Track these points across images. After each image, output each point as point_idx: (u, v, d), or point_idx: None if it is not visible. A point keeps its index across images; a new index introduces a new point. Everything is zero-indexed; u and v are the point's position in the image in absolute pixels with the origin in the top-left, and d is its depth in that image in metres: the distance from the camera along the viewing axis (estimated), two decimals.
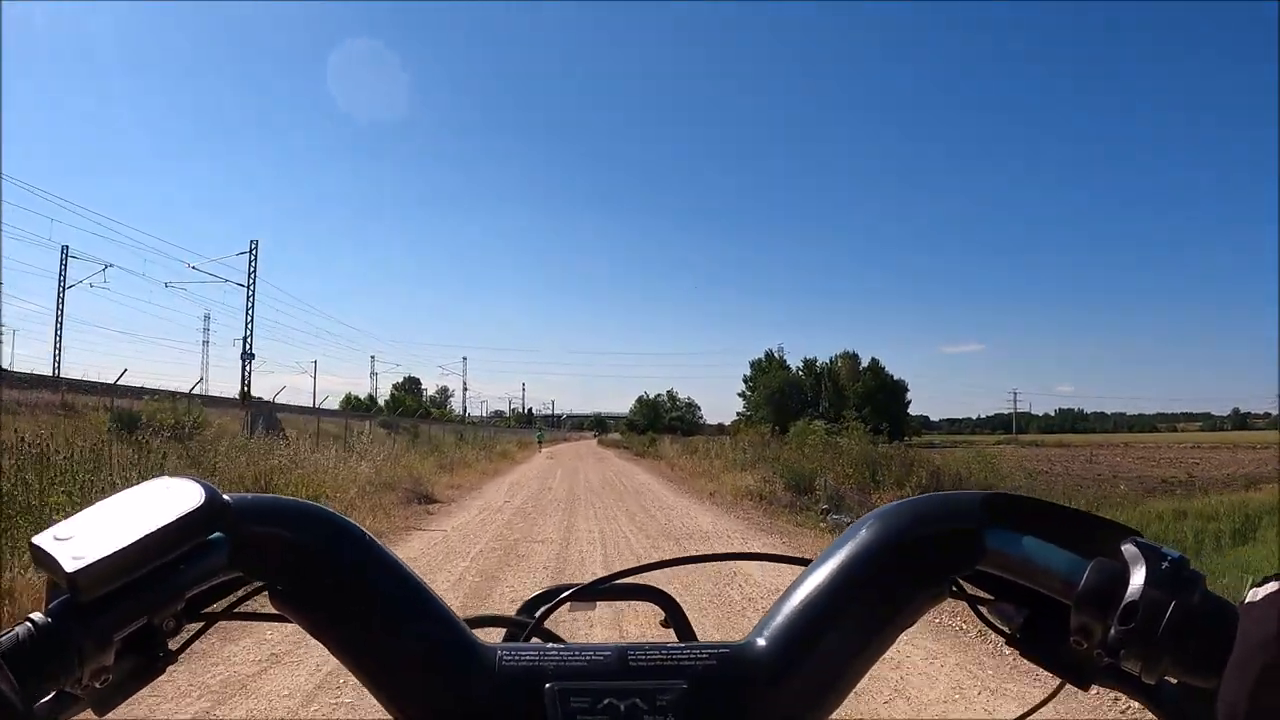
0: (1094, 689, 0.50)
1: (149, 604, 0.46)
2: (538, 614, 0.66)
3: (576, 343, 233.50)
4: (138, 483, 0.51)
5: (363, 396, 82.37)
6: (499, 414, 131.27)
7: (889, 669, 4.55)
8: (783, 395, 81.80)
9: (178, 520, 0.47)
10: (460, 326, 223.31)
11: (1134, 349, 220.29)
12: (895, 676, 4.50)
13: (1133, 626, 0.44)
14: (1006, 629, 0.54)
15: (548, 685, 0.49)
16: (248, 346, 41.60)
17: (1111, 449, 70.40)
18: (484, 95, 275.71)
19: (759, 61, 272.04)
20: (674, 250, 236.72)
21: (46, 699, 0.44)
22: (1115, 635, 0.45)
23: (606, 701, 0.48)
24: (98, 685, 0.45)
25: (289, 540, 0.52)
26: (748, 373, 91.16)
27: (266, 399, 35.61)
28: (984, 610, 0.55)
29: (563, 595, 0.67)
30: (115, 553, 0.44)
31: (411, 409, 64.52)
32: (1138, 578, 0.46)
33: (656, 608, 0.73)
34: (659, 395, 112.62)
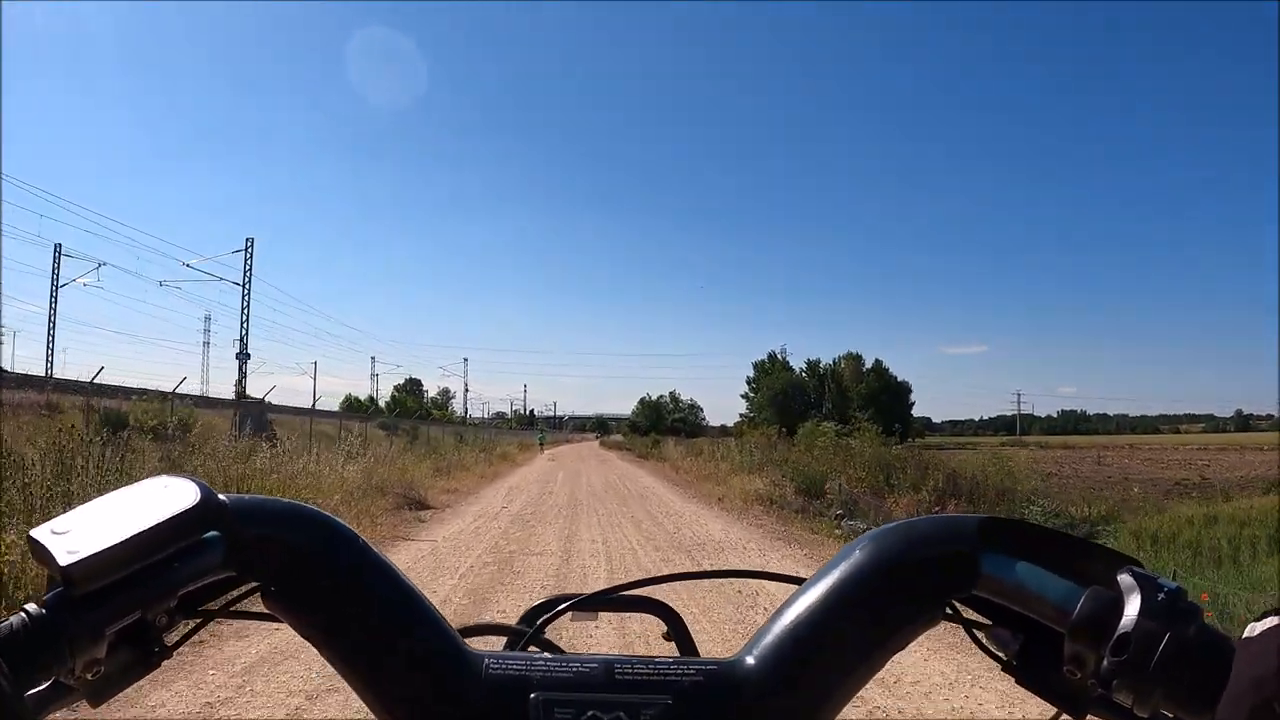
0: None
1: (142, 599, 0.47)
2: (536, 624, 0.65)
3: (578, 344, 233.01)
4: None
5: (363, 398, 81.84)
6: (501, 415, 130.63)
7: None
8: (786, 397, 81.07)
9: (173, 518, 0.48)
10: (462, 328, 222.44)
11: (1136, 350, 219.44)
12: None
13: (1125, 658, 0.44)
14: (1002, 655, 0.54)
15: (532, 695, 0.49)
16: (243, 346, 40.98)
17: (1117, 450, 69.79)
18: (485, 95, 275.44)
19: (759, 61, 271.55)
20: (675, 250, 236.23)
21: (40, 688, 0.46)
22: (1108, 666, 0.45)
23: (590, 714, 0.49)
24: (90, 677, 0.46)
25: (283, 542, 0.53)
26: (750, 374, 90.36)
27: (256, 398, 34.92)
28: (980, 635, 0.55)
29: (563, 605, 0.66)
30: (109, 548, 0.45)
31: (412, 410, 63.87)
32: (1132, 608, 0.45)
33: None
34: (661, 397, 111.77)
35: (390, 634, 0.52)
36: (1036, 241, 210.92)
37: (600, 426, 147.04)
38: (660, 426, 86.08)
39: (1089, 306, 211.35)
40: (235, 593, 0.55)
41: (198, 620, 0.54)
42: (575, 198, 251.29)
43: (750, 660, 0.52)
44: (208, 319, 62.32)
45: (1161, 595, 0.45)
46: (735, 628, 5.57)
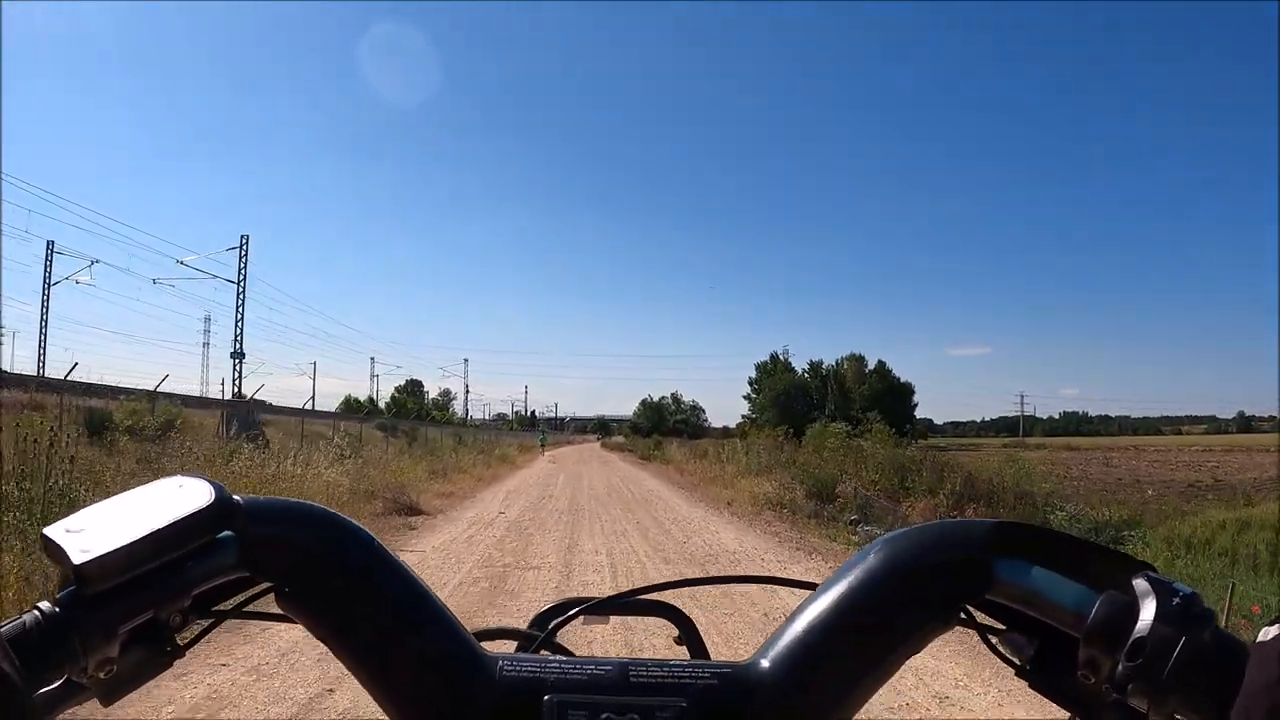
0: None
1: (155, 598, 0.47)
2: (549, 627, 0.66)
3: (579, 345, 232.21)
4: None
5: (363, 399, 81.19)
6: (502, 417, 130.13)
7: None
8: (788, 398, 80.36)
9: (186, 518, 0.48)
10: (462, 328, 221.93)
11: (1137, 351, 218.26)
12: None
13: (1140, 663, 0.44)
14: (1016, 660, 0.54)
15: (546, 697, 0.50)
16: (238, 345, 40.28)
17: (1122, 452, 69.18)
18: (485, 95, 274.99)
19: (759, 61, 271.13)
20: (676, 251, 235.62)
21: (52, 686, 0.46)
22: (1123, 671, 0.45)
23: (605, 716, 0.49)
24: (102, 676, 0.46)
25: (297, 542, 0.53)
26: (752, 375, 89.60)
27: (259, 399, 34.24)
28: (994, 640, 0.55)
29: (576, 609, 0.66)
30: (123, 547, 0.46)
31: (412, 411, 63.22)
32: (1147, 613, 0.46)
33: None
34: (663, 398, 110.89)
35: (404, 635, 0.52)
36: (1037, 241, 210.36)
37: (602, 428, 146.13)
38: (662, 428, 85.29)
39: (1090, 307, 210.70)
40: (249, 593, 0.54)
41: (211, 620, 0.54)
42: (575, 198, 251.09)
43: (764, 664, 0.52)
44: (207, 319, 61.75)
45: (1176, 600, 0.46)
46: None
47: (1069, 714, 0.51)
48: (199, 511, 0.49)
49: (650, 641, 4.87)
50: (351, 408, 71.33)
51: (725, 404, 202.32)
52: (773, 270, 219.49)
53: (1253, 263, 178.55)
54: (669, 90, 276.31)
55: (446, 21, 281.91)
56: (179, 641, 0.50)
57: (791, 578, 0.71)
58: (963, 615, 0.54)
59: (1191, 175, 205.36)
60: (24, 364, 35.23)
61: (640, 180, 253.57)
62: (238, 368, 40.56)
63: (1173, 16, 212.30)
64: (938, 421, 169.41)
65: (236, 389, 40.41)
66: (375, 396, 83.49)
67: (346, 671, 0.53)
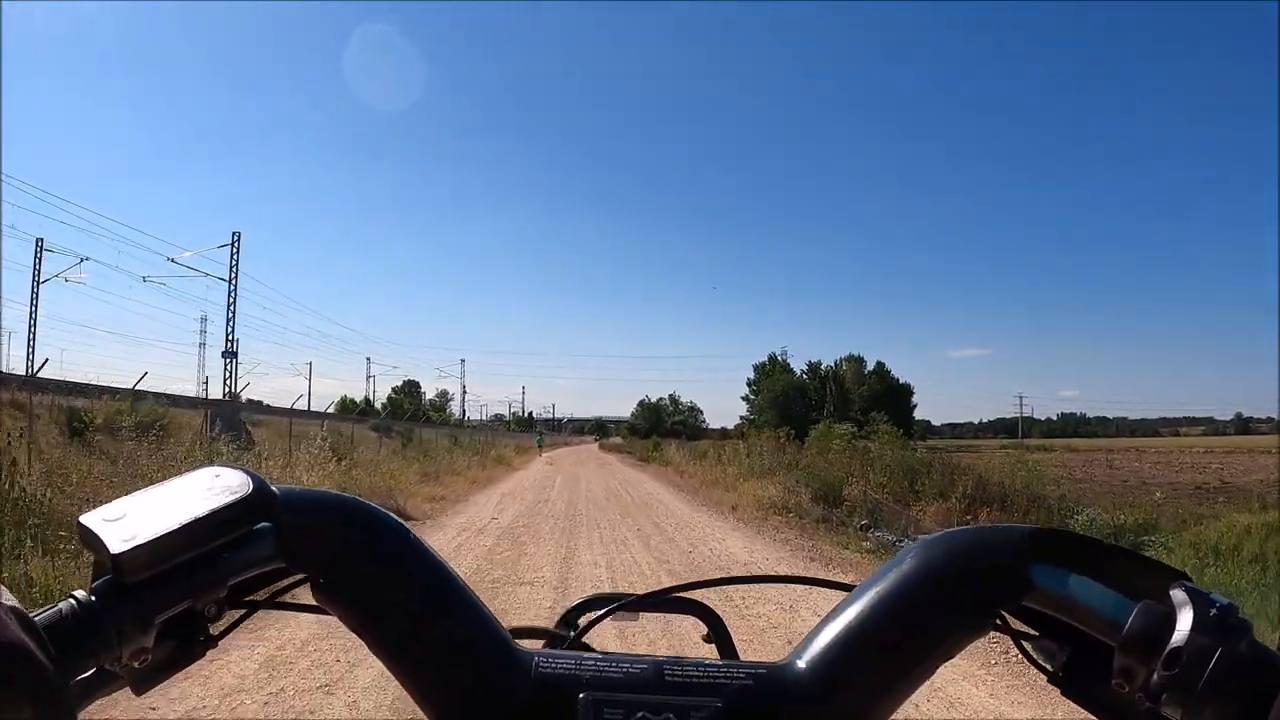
0: None
1: (192, 589, 0.47)
2: (581, 626, 0.65)
3: (576, 346, 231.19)
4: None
5: (359, 400, 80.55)
6: (499, 418, 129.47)
7: None
8: (787, 399, 79.87)
9: (224, 508, 0.48)
10: (460, 329, 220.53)
11: (1135, 351, 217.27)
12: None
13: (1176, 672, 0.44)
14: (1049, 666, 0.54)
15: (582, 695, 0.49)
16: (230, 344, 39.66)
17: (1123, 453, 68.75)
18: (483, 95, 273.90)
19: (759, 61, 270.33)
20: (674, 251, 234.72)
21: (86, 675, 0.45)
22: (1158, 680, 0.45)
23: (640, 715, 0.49)
24: (137, 665, 0.46)
25: (334, 534, 0.53)
26: (750, 376, 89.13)
27: (255, 400, 33.62)
28: (1027, 646, 0.55)
29: (607, 609, 0.66)
30: (161, 536, 0.45)
31: (409, 412, 62.58)
32: (1184, 623, 0.46)
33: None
34: (661, 399, 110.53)
35: (439, 628, 0.52)
36: (1036, 242, 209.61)
37: (599, 429, 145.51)
38: (660, 429, 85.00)
39: (1089, 307, 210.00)
40: (284, 583, 0.54)
41: (244, 611, 0.53)
42: (573, 198, 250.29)
43: (800, 665, 0.52)
44: (204, 319, 61.06)
45: (1213, 611, 0.46)
46: None
47: None
48: (236, 502, 0.49)
49: (662, 636, 4.43)
50: (347, 408, 70.80)
51: (723, 405, 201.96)
52: (770, 271, 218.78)
53: (1252, 263, 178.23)
54: (667, 90, 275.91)
55: (447, 21, 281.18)
56: (212, 632, 0.50)
57: (827, 578, 0.70)
58: (997, 621, 0.53)
59: (1191, 175, 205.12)
60: (19, 364, 34.50)
61: (638, 180, 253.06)
62: (229, 367, 39.89)
63: (1173, 16, 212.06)
64: (935, 423, 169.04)
65: (227, 389, 39.79)
66: (371, 397, 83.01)
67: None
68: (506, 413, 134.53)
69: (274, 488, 0.52)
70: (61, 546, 6.24)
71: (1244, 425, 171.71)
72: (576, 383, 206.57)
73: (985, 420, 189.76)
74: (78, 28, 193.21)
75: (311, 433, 25.17)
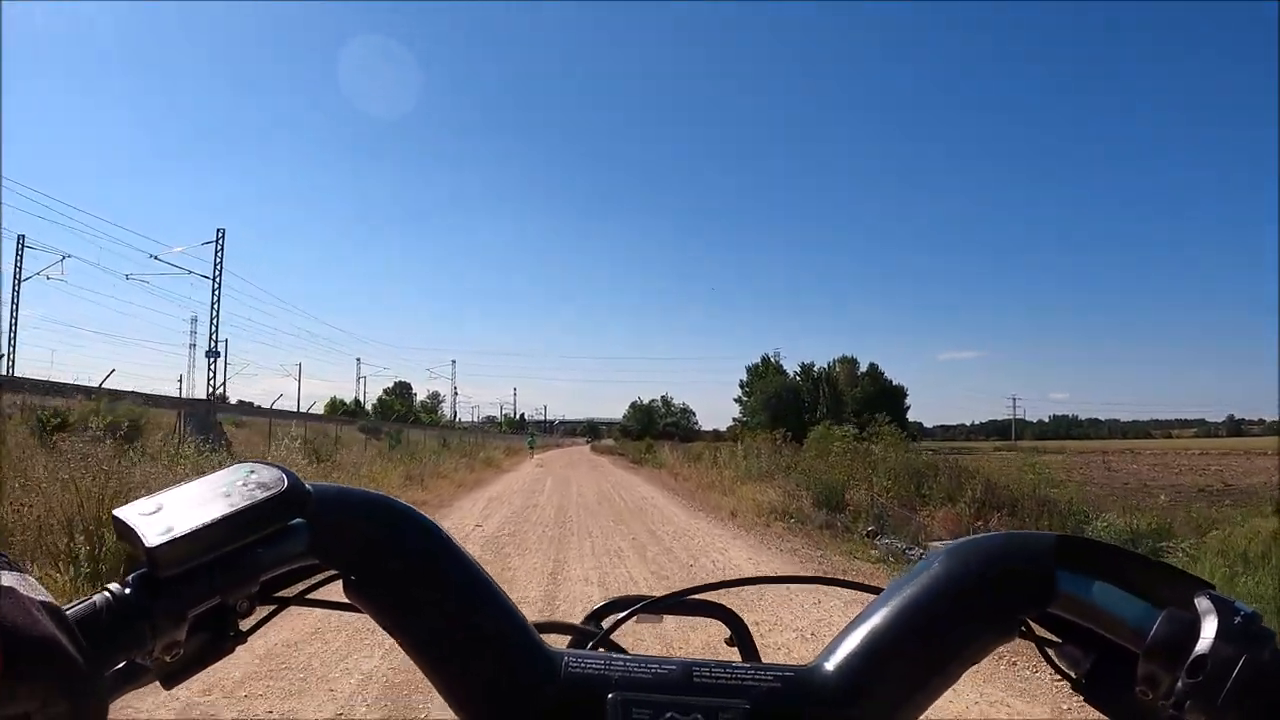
0: None
1: (225, 584, 0.47)
2: (605, 625, 0.66)
3: (569, 347, 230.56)
4: None
5: (349, 401, 79.65)
6: (491, 419, 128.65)
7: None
8: (780, 400, 79.18)
9: (258, 504, 0.48)
10: (452, 330, 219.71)
11: (1128, 352, 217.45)
12: None
13: (1200, 680, 0.45)
14: (1073, 673, 0.54)
15: (611, 695, 0.50)
16: (213, 343, 38.71)
17: (1118, 455, 68.15)
18: (478, 96, 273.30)
19: (759, 61, 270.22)
20: (665, 254, 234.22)
21: (117, 667, 0.46)
22: (1182, 688, 0.45)
23: (669, 715, 0.49)
24: (168, 659, 0.47)
25: (366, 532, 0.53)
26: (743, 378, 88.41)
27: (245, 401, 32.74)
28: (1051, 653, 0.55)
29: (631, 608, 0.67)
30: (195, 530, 0.46)
31: (400, 413, 61.71)
32: (1208, 631, 0.46)
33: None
34: (653, 400, 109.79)
35: (470, 626, 0.52)
36: (1029, 244, 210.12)
37: (591, 430, 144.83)
38: (652, 430, 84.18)
39: (1081, 309, 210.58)
40: (315, 580, 0.54)
41: (274, 607, 0.54)
42: (565, 200, 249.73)
43: (827, 668, 0.52)
44: (194, 320, 60.30)
45: (1238, 619, 0.46)
46: None
47: None
48: (270, 498, 0.49)
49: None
50: (337, 410, 69.96)
51: (716, 407, 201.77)
52: (763, 273, 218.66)
53: (1247, 264, 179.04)
54: (663, 92, 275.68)
55: (445, 22, 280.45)
56: (242, 628, 0.50)
57: (856, 580, 0.70)
58: (1022, 628, 0.53)
59: (1190, 176, 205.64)
60: (18, 366, 33.54)
61: (630, 183, 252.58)
62: (212, 367, 38.95)
63: (1173, 16, 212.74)
64: (928, 425, 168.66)
65: (210, 388, 38.87)
66: (362, 398, 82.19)
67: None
68: (498, 414, 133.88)
69: (308, 485, 0.51)
70: None
71: (1236, 427, 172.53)
72: (569, 384, 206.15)
73: (977, 422, 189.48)
74: (70, 26, 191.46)
75: (293, 433, 24.52)
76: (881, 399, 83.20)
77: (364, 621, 0.56)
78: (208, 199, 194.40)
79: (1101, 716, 0.52)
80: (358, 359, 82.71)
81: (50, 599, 0.41)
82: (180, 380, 35.30)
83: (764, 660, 0.61)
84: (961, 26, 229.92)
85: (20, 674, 0.37)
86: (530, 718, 0.50)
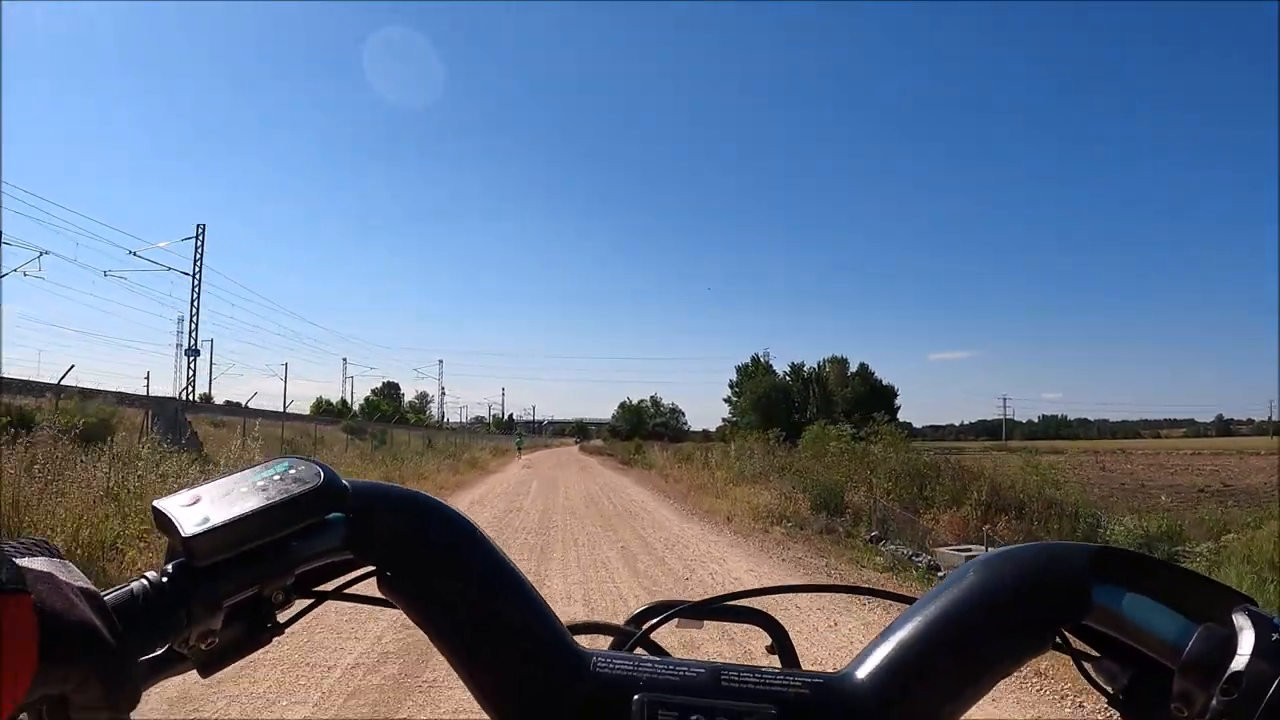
0: None
1: (261, 575, 0.48)
2: (644, 627, 0.65)
3: (558, 347, 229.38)
4: None
5: (335, 402, 78.64)
6: (480, 420, 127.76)
7: None
8: (770, 400, 78.48)
9: (294, 497, 0.49)
10: (440, 331, 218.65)
11: (1117, 355, 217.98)
12: None
13: (1235, 698, 0.44)
14: (1110, 688, 0.53)
15: (636, 696, 0.50)
16: (193, 341, 37.71)
17: (1110, 455, 67.84)
18: (470, 98, 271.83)
19: (757, 61, 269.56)
20: (655, 255, 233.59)
21: (154, 654, 0.46)
22: (1217, 705, 0.45)
23: (694, 718, 0.49)
24: (204, 647, 0.48)
25: (402, 528, 0.54)
26: (733, 378, 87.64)
27: (233, 401, 31.88)
28: (1088, 667, 0.54)
29: (670, 612, 0.66)
30: (232, 521, 0.47)
31: (387, 414, 60.79)
32: (1245, 647, 0.45)
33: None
34: (642, 401, 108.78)
35: (502, 623, 0.52)
36: (1021, 244, 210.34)
37: (580, 431, 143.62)
38: (642, 431, 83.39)
39: (1075, 309, 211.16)
40: (351, 575, 0.55)
41: (311, 600, 0.55)
42: (554, 202, 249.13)
43: (858, 676, 0.52)
44: (180, 320, 59.29)
45: (1275, 636, 0.45)
46: None
47: None
48: (307, 492, 0.50)
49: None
50: (324, 410, 69.00)
51: (705, 407, 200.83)
52: (753, 273, 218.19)
53: (1241, 265, 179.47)
54: (654, 92, 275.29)
55: (446, 22, 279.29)
56: (279, 619, 0.51)
57: (889, 590, 0.68)
58: (1057, 640, 0.53)
59: (1188, 176, 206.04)
60: (11, 367, 32.71)
61: (620, 184, 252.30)
62: (192, 365, 37.97)
63: (1173, 17, 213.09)
64: (917, 425, 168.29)
65: (190, 387, 37.86)
66: (350, 398, 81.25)
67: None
68: (487, 415, 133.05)
69: (345, 481, 0.52)
70: None
71: (1225, 427, 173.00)
72: (557, 385, 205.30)
73: (967, 422, 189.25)
74: (58, 22, 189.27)
75: (276, 434, 23.74)
76: (872, 399, 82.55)
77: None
78: (193, 200, 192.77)
79: None
80: (344, 359, 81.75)
81: (89, 584, 0.42)
82: (147, 377, 34.12)
83: (817, 653, 0.58)
84: (961, 27, 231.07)
85: (57, 657, 0.38)
86: (557, 715, 0.50)
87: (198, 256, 36.54)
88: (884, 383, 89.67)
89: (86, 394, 20.55)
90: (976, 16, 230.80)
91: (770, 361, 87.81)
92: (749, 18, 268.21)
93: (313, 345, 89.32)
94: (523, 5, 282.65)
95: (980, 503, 14.94)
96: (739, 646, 4.74)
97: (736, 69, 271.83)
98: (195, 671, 0.49)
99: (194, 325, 37.29)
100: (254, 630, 0.49)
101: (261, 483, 0.50)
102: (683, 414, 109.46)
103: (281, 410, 27.58)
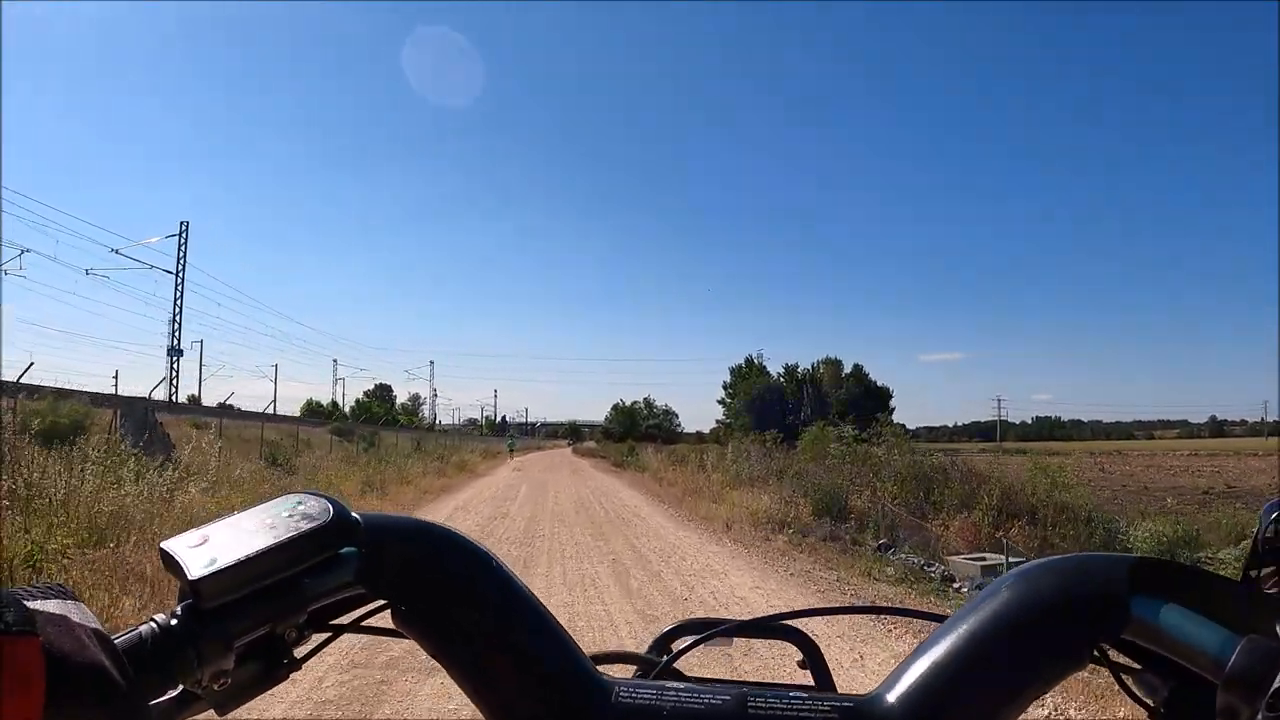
0: None
1: (271, 614, 0.48)
2: (668, 655, 0.64)
3: (550, 349, 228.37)
4: None
5: (326, 403, 77.75)
6: (472, 421, 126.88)
7: None
8: (764, 402, 77.84)
9: (303, 535, 0.49)
10: (433, 332, 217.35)
11: (1109, 356, 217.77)
12: None
13: None
14: (1150, 702, 0.52)
15: None
16: (175, 340, 36.80)
17: (1106, 456, 67.32)
18: (460, 97, 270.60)
19: (757, 61, 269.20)
20: (648, 255, 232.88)
21: (166, 697, 0.46)
22: None
23: None
24: (217, 687, 0.47)
25: (414, 560, 0.53)
26: (727, 379, 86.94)
27: (225, 403, 31.02)
28: (1128, 681, 0.53)
29: (697, 638, 0.65)
30: (240, 562, 0.46)
31: (378, 416, 59.97)
32: None
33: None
34: (635, 402, 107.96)
35: (520, 654, 0.51)
36: (1016, 246, 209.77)
37: (573, 433, 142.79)
38: (635, 433, 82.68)
39: (1068, 310, 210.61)
40: (364, 609, 0.54)
41: (327, 635, 0.54)
42: (547, 203, 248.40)
43: (890, 699, 0.50)
44: (171, 321, 58.39)
45: None
46: None
47: None
48: (315, 529, 0.49)
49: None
50: (313, 412, 68.22)
51: (699, 409, 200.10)
52: (747, 275, 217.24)
53: (1238, 266, 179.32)
54: (644, 90, 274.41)
55: (446, 22, 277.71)
56: (295, 655, 0.50)
57: (920, 609, 0.67)
58: (1095, 654, 0.51)
59: (1181, 180, 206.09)
60: (10, 370, 31.86)
61: (612, 185, 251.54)
62: (175, 365, 37.04)
63: (1173, 18, 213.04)
64: (911, 426, 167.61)
65: (174, 390, 36.93)
66: (341, 400, 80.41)
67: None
68: (479, 416, 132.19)
69: (355, 515, 0.51)
70: None
71: (1218, 428, 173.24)
72: (550, 386, 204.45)
73: (960, 424, 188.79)
74: (74, 27, 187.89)
75: (268, 438, 22.97)
76: (866, 400, 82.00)
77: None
78: (180, 201, 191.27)
79: None
80: (334, 360, 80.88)
81: (100, 627, 0.42)
82: (115, 376, 33.23)
83: (839, 689, 0.57)
84: (959, 27, 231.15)
85: (67, 699, 0.38)
86: None
87: (181, 254, 35.69)
88: (879, 384, 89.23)
89: (61, 394, 19.81)
90: (976, 17, 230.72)
91: (764, 363, 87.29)
92: (749, 18, 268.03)
93: (303, 346, 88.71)
94: (523, 5, 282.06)
95: (991, 507, 14.20)
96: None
97: (736, 69, 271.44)
98: (213, 711, 0.48)
99: (177, 324, 36.37)
100: (270, 668, 0.48)
101: (270, 520, 0.49)
102: (676, 416, 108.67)
103: (269, 412, 26.82)
